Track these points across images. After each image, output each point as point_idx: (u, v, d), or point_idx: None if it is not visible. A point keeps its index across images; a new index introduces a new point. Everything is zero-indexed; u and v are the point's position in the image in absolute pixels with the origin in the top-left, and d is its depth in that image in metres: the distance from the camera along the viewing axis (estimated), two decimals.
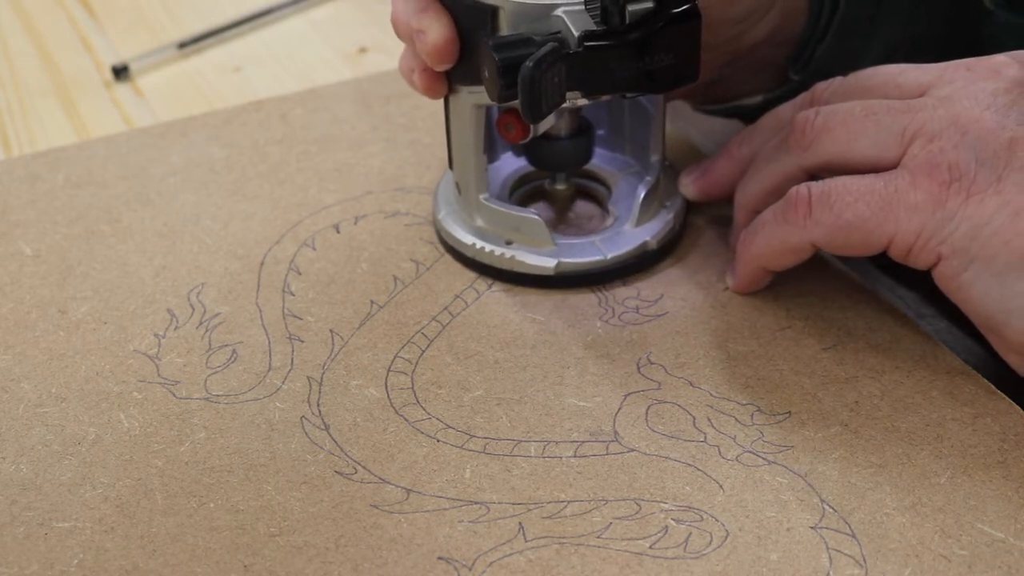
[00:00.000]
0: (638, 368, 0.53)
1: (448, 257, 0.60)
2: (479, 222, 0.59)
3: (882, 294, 0.57)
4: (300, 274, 0.59)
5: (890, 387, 0.52)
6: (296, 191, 0.64)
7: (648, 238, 0.58)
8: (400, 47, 0.57)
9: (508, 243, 0.58)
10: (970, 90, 0.50)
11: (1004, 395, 0.51)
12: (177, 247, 0.61)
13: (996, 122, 0.48)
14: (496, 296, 0.57)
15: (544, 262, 0.57)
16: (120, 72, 0.76)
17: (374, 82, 0.73)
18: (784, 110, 0.57)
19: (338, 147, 0.68)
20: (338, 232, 0.62)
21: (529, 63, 0.48)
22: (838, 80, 0.55)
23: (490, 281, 0.58)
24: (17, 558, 0.46)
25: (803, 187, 0.51)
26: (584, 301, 0.57)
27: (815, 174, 0.53)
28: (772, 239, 0.53)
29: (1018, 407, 0.51)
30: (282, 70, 0.77)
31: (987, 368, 0.52)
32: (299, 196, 0.64)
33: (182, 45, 0.79)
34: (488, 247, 0.58)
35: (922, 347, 0.54)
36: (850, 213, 0.50)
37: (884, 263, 0.58)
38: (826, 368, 0.53)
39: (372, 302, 0.57)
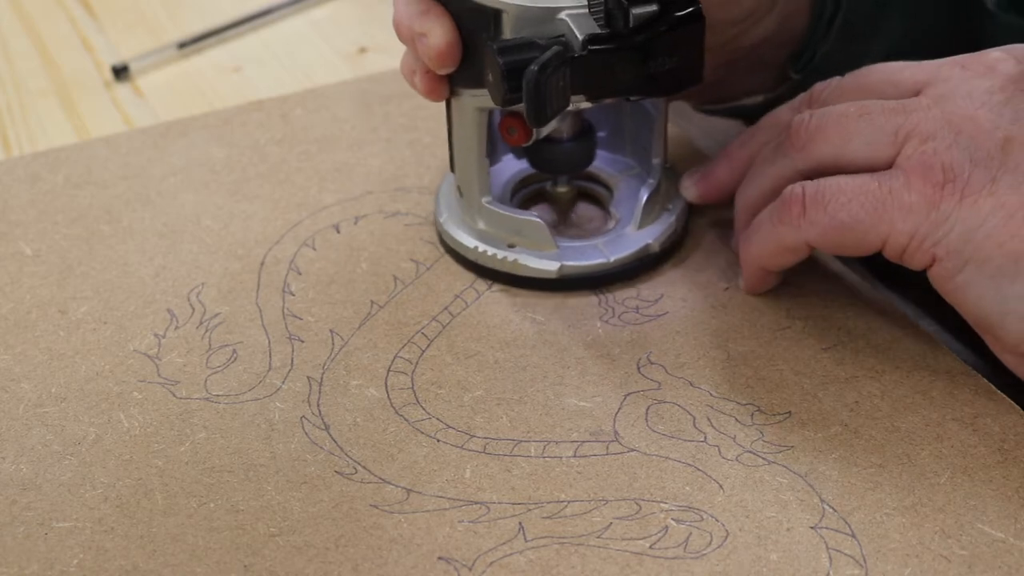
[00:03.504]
0: (638, 368, 0.53)
1: (448, 257, 0.60)
2: (481, 225, 0.58)
3: (882, 294, 0.57)
4: (300, 274, 0.59)
5: (890, 387, 0.52)
6: (296, 191, 0.64)
7: (650, 240, 0.58)
8: (401, 47, 0.57)
9: (510, 246, 0.58)
10: (964, 88, 0.50)
11: (1004, 395, 0.51)
12: (177, 247, 0.61)
13: (990, 121, 0.48)
14: (496, 296, 0.57)
15: (547, 265, 0.57)
16: (120, 72, 0.76)
17: (374, 82, 0.73)
18: (782, 111, 0.57)
19: (338, 147, 0.68)
20: (338, 232, 0.62)
21: (534, 67, 0.48)
22: (836, 80, 0.55)
23: (490, 281, 0.58)
24: (17, 558, 0.46)
25: (797, 187, 0.51)
26: (584, 301, 0.57)
27: (811, 176, 0.53)
28: (768, 240, 0.53)
29: (1018, 407, 0.51)
30: (282, 70, 0.77)
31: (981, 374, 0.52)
32: (299, 196, 0.64)
33: (182, 45, 0.79)
34: (490, 250, 0.58)
35: (922, 347, 0.54)
36: (844, 213, 0.50)
37: (878, 269, 0.58)
38: (826, 368, 0.53)
39: (372, 302, 0.57)
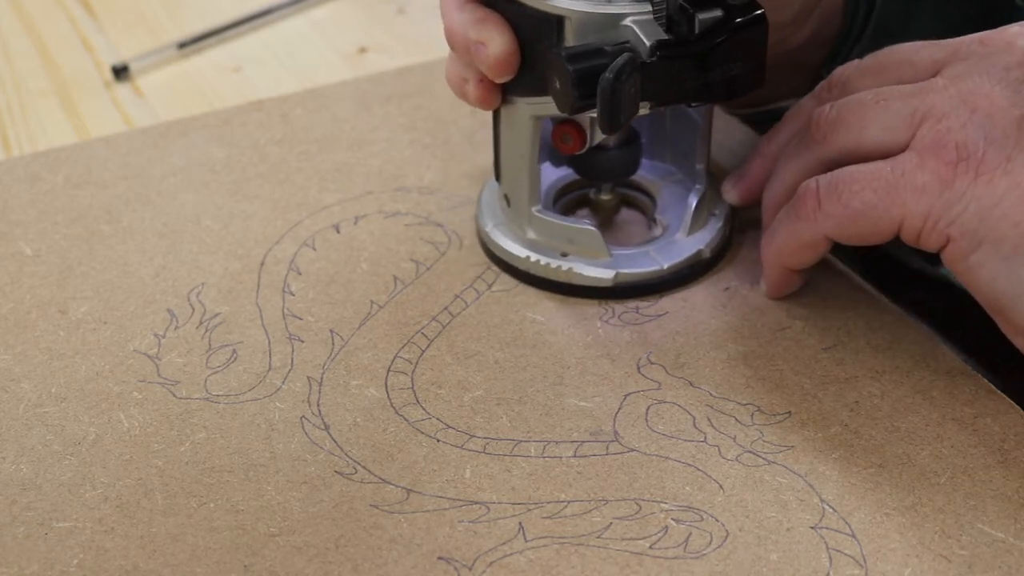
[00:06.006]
0: (638, 368, 0.53)
1: (448, 257, 0.60)
2: (531, 235, 0.58)
3: (882, 294, 0.57)
4: (300, 274, 0.59)
5: (890, 387, 0.52)
6: (296, 191, 0.64)
7: (702, 247, 0.57)
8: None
9: (563, 255, 0.57)
10: (983, 65, 0.49)
11: (1004, 395, 0.51)
12: (177, 247, 0.61)
13: (1007, 99, 0.48)
14: (496, 296, 0.57)
15: (602, 273, 0.56)
16: (120, 72, 0.76)
17: (374, 82, 0.73)
18: (805, 102, 0.56)
19: (338, 147, 0.68)
20: (338, 232, 0.62)
21: (609, 74, 0.48)
22: (855, 62, 0.54)
23: (490, 281, 0.58)
24: (17, 558, 0.46)
25: (812, 181, 0.51)
26: (584, 301, 0.57)
27: (835, 167, 0.52)
28: (788, 237, 0.53)
29: (1018, 407, 0.51)
30: (282, 70, 0.77)
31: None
32: (299, 196, 0.64)
33: (182, 45, 0.79)
34: (543, 260, 0.57)
35: (922, 347, 0.54)
36: (857, 201, 0.49)
37: (873, 275, 0.57)
38: (826, 368, 0.53)
39: (372, 302, 0.57)
